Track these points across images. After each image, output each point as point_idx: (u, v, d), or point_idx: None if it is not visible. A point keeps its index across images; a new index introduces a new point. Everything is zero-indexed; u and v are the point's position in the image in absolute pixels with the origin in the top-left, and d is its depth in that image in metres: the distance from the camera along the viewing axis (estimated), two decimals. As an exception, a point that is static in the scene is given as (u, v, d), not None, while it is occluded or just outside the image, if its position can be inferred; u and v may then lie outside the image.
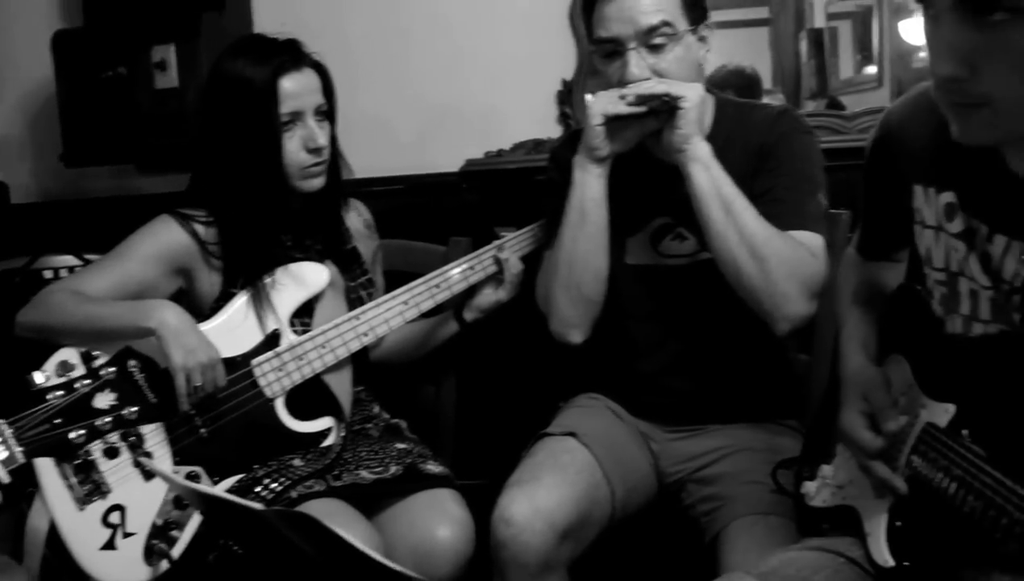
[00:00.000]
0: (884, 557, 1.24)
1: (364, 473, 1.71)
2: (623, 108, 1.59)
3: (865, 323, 1.47)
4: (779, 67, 2.57)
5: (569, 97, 2.42)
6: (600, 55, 1.66)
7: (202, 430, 1.68)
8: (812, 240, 1.61)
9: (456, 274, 1.88)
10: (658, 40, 1.60)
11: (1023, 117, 1.01)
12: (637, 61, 1.60)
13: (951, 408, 1.22)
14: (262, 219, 1.76)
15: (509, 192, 2.39)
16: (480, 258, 1.89)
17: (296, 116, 1.73)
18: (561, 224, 1.70)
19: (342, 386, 1.80)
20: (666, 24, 1.59)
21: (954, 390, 1.23)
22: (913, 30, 2.44)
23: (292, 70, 1.73)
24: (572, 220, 1.69)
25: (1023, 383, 1.13)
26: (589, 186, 1.67)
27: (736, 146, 1.67)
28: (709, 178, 1.58)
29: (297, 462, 1.70)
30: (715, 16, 1.71)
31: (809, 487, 1.49)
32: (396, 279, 1.98)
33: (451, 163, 2.45)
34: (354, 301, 1.87)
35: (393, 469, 1.73)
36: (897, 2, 2.46)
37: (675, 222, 1.74)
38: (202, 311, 1.75)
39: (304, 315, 1.78)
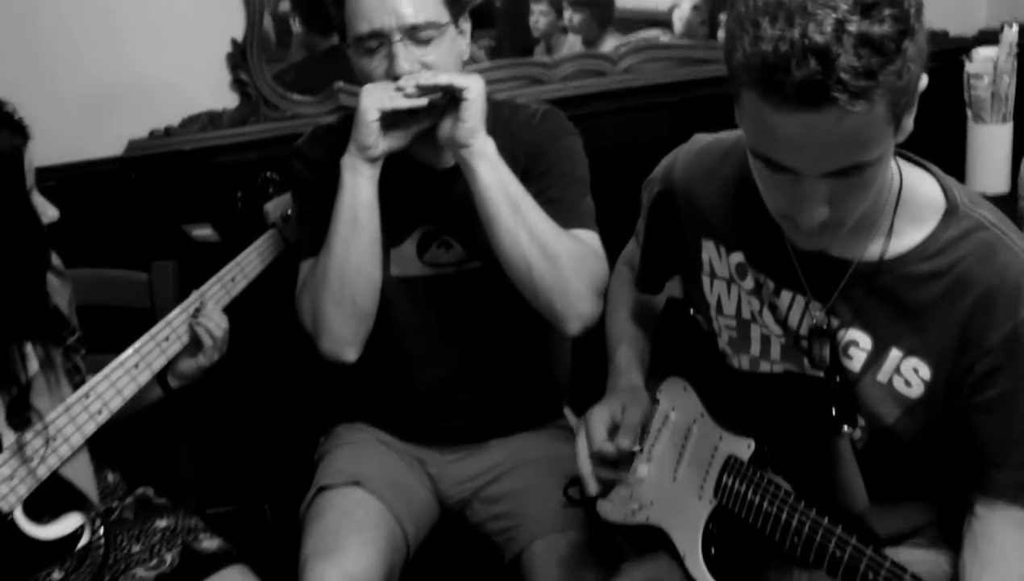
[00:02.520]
0: (706, 579, 1.50)
1: (140, 572, 1.70)
2: (402, 101, 1.63)
3: (641, 341, 1.72)
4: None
5: (243, 60, 2.33)
6: (360, 52, 1.67)
7: (-66, 573, 1.56)
8: (591, 238, 1.77)
9: (182, 321, 1.83)
10: (425, 34, 1.64)
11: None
12: (405, 55, 1.64)
13: (751, 444, 1.49)
14: None
15: (188, 177, 2.31)
16: (170, 323, 1.82)
17: None
18: (330, 233, 1.72)
19: (83, 475, 1.73)
20: (431, 19, 1.64)
21: (749, 425, 1.50)
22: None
23: None
24: (343, 229, 1.71)
25: (811, 423, 1.42)
26: (361, 190, 1.70)
27: (503, 149, 1.73)
28: (496, 176, 1.67)
29: (56, 575, 1.64)
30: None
31: (605, 505, 1.73)
32: (91, 315, 1.89)
33: (111, 147, 2.31)
34: (70, 371, 1.77)
35: (169, 558, 1.73)
36: None
37: (439, 230, 1.83)
38: None
39: (19, 405, 1.66)
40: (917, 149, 1.36)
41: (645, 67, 2.64)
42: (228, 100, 2.38)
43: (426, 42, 1.65)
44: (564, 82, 2.58)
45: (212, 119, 2.35)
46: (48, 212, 1.61)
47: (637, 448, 1.58)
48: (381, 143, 1.68)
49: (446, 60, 1.68)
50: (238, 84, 2.37)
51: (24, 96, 1.65)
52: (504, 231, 1.68)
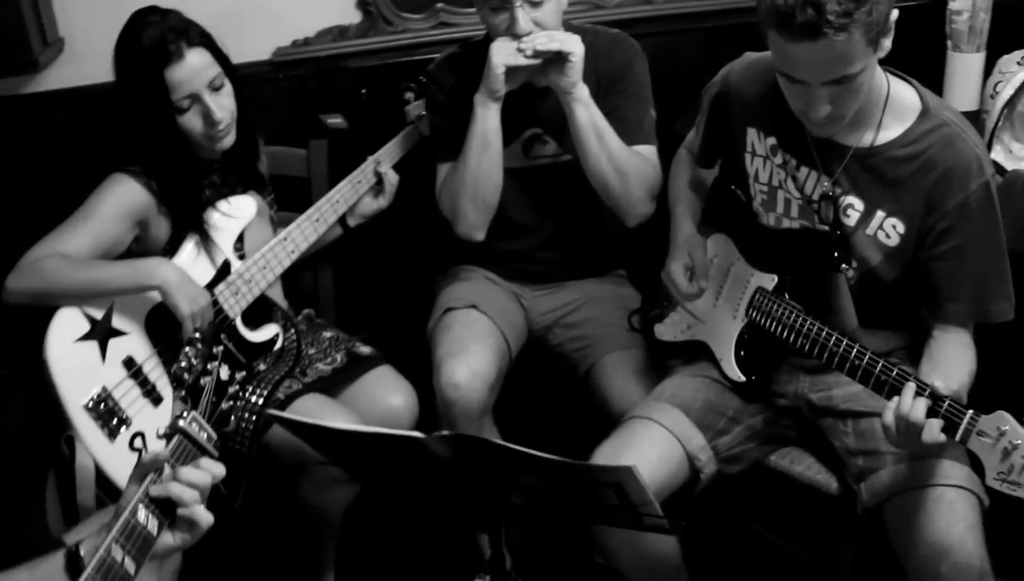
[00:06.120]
0: (737, 375, 2.08)
1: (320, 366, 2.27)
2: (522, 60, 2.18)
3: (695, 202, 2.27)
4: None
5: (369, -14, 2.87)
6: (486, 9, 2.21)
7: (187, 357, 2.13)
8: (651, 153, 2.35)
9: (348, 189, 2.40)
10: None
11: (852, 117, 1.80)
12: (524, 17, 2.17)
13: (775, 277, 2.05)
14: (186, 174, 2.16)
15: (324, 79, 2.83)
16: (363, 172, 2.41)
17: (192, 97, 2.08)
18: (465, 149, 2.28)
19: (278, 296, 2.32)
20: None
21: (773, 264, 2.06)
22: None
23: (176, 60, 2.04)
24: (476, 146, 2.27)
25: (819, 263, 1.98)
26: (490, 120, 2.26)
27: (587, 69, 2.25)
28: (588, 115, 2.24)
29: (262, 367, 2.22)
30: None
31: (659, 328, 2.32)
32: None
33: (262, 52, 2.82)
34: (270, 219, 2.34)
35: (339, 358, 2.31)
36: None
37: (542, 132, 2.39)
38: (154, 253, 2.14)
39: (238, 242, 2.24)
40: (908, 68, 1.87)
41: (684, -2, 3.12)
42: (354, 17, 2.89)
43: (539, 4, 2.17)
44: (618, 8, 3.05)
45: (341, 32, 2.86)
46: (216, 115, 2.11)
47: (706, 284, 2.12)
48: (504, 87, 2.23)
49: (554, 18, 2.21)
50: (362, 4, 2.87)
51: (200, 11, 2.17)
52: (591, 156, 2.26)
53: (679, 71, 2.75)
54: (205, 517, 1.39)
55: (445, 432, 1.60)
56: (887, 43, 1.73)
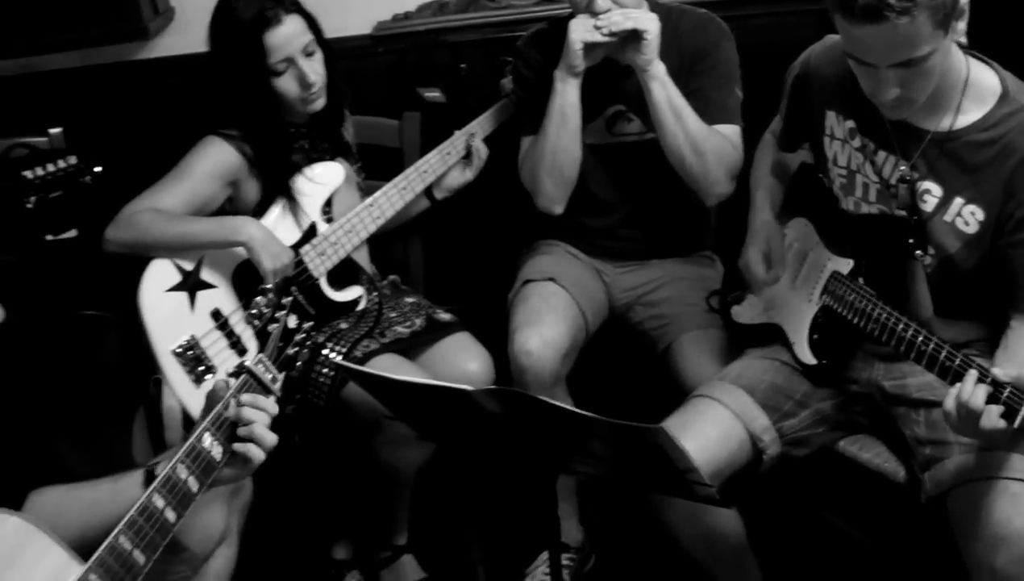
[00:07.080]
0: (809, 359, 2.14)
1: (399, 329, 2.41)
2: (599, 38, 2.28)
3: (775, 189, 2.33)
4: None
5: (467, -37, 2.99)
6: None
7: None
8: (733, 133, 2.42)
9: (437, 159, 2.53)
10: None
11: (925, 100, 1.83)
12: None
13: (851, 262, 2.09)
14: (278, 138, 2.33)
15: (423, 53, 2.98)
16: (454, 144, 2.54)
17: (288, 61, 2.25)
18: (545, 122, 2.40)
19: (364, 259, 2.47)
20: None
21: (851, 249, 2.11)
22: None
23: (274, 25, 2.21)
24: (555, 120, 2.38)
25: (894, 248, 2.02)
26: (569, 94, 2.37)
27: (671, 48, 2.36)
28: (665, 93, 2.32)
29: (343, 325, 2.37)
30: None
31: (737, 310, 2.39)
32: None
33: (363, 27, 2.98)
34: (357, 186, 2.49)
35: (418, 322, 2.44)
36: None
37: (626, 109, 2.48)
38: (246, 213, 2.31)
39: (326, 206, 2.40)
40: (1013, 51, 1.87)
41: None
42: (451, -9, 3.04)
43: None
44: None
45: (441, 6, 2.99)
46: (310, 78, 2.27)
47: (783, 272, 2.23)
48: (583, 63, 2.33)
49: None
50: (462, -22, 3.02)
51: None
52: (668, 134, 2.35)
53: (788, 53, 2.76)
54: (268, 437, 1.54)
55: (492, 387, 1.70)
56: (961, 26, 1.75)
